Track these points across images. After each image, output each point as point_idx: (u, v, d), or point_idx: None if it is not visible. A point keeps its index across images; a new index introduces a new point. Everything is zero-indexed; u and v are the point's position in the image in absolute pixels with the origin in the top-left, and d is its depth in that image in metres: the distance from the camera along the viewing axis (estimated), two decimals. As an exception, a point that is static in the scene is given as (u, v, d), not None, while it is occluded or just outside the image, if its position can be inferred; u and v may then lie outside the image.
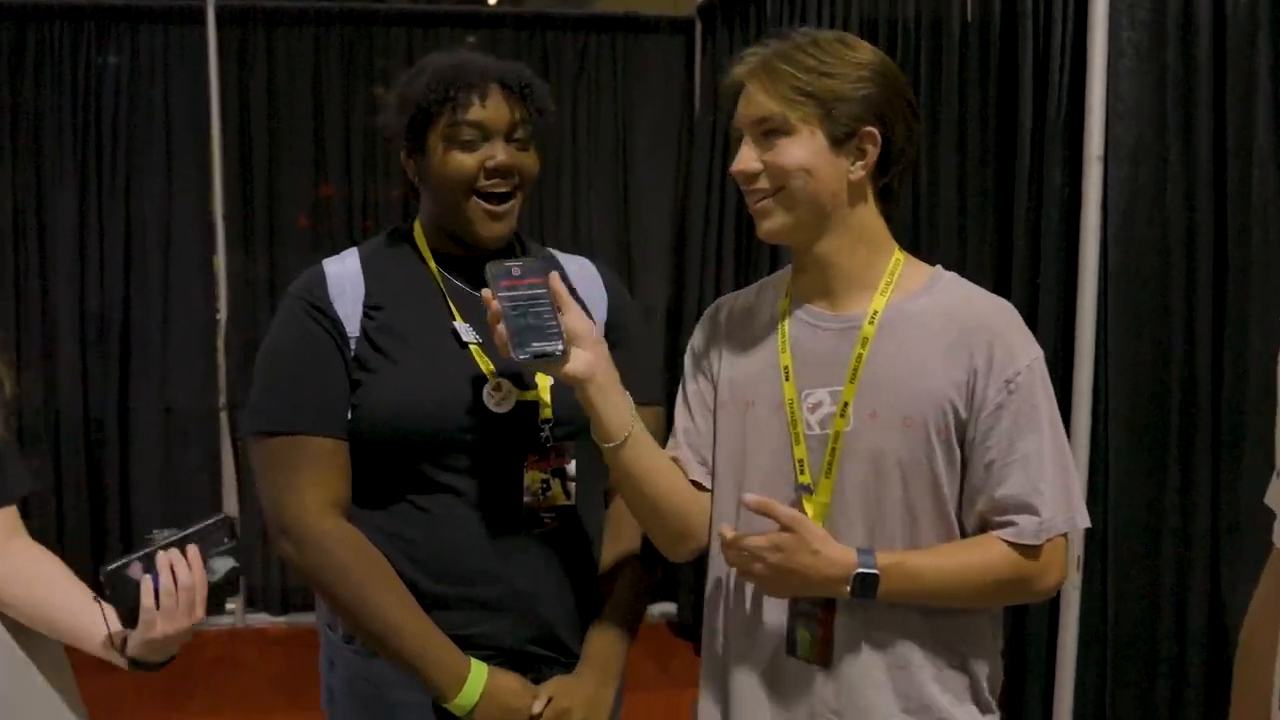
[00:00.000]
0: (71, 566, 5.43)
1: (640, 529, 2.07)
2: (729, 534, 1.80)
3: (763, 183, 1.84)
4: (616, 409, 1.86)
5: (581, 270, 2.21)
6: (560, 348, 1.80)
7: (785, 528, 1.74)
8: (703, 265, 5.48)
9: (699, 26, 5.85)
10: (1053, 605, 3.35)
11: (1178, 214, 3.17)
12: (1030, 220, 3.44)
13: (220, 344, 5.65)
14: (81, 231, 5.59)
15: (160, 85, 5.63)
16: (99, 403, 5.65)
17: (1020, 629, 3.45)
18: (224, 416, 5.68)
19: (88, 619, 1.82)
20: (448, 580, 1.98)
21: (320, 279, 2.03)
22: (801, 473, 1.85)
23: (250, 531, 5.55)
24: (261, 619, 5.81)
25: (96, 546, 5.63)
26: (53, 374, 5.59)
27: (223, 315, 5.65)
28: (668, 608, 5.76)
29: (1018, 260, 3.48)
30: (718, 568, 1.97)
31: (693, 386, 2.04)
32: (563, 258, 2.23)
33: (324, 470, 1.96)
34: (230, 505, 5.71)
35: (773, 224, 1.85)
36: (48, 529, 5.57)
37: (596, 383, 1.83)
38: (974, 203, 3.69)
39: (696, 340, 2.06)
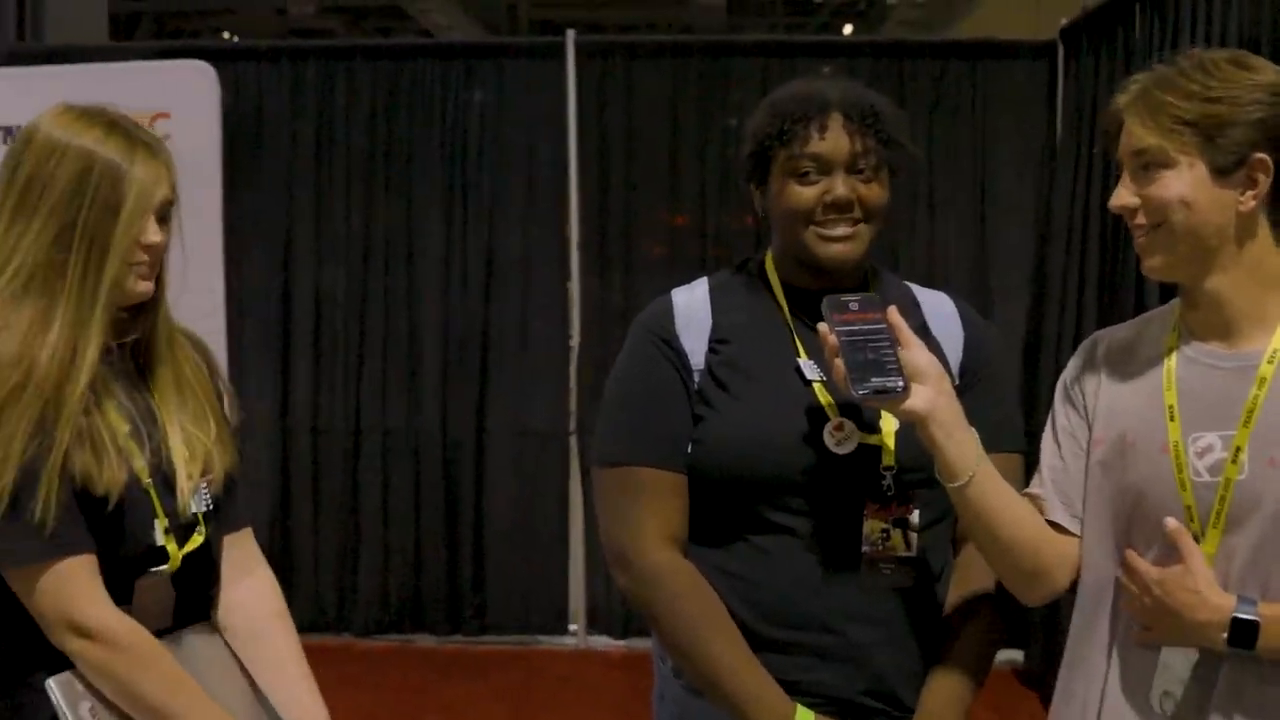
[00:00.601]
0: (428, 577, 5.62)
1: (992, 574, 1.96)
2: (1134, 558, 1.72)
3: (1141, 219, 1.74)
4: (960, 447, 1.79)
5: (939, 307, 2.12)
6: (900, 384, 1.76)
7: (1180, 560, 1.65)
8: (1063, 296, 5.23)
9: (1061, 50, 5.63)
10: None
11: None
12: None
13: (572, 369, 5.79)
14: (446, 258, 5.84)
15: (522, 117, 5.82)
16: (457, 422, 5.86)
17: None
18: (573, 440, 5.81)
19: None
20: (779, 623, 1.93)
21: (668, 310, 2.05)
22: (1189, 521, 1.71)
23: (595, 552, 5.70)
24: (602, 641, 5.90)
25: (451, 558, 5.86)
26: (416, 394, 5.85)
27: (576, 341, 5.79)
28: (1014, 654, 5.48)
29: None
30: (1085, 609, 1.86)
31: (1063, 421, 1.92)
32: (919, 292, 2.15)
33: (662, 503, 1.96)
34: (575, 527, 5.85)
35: (1154, 261, 1.76)
36: (406, 542, 5.85)
37: (938, 420, 1.78)
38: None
39: (1070, 373, 1.96)
